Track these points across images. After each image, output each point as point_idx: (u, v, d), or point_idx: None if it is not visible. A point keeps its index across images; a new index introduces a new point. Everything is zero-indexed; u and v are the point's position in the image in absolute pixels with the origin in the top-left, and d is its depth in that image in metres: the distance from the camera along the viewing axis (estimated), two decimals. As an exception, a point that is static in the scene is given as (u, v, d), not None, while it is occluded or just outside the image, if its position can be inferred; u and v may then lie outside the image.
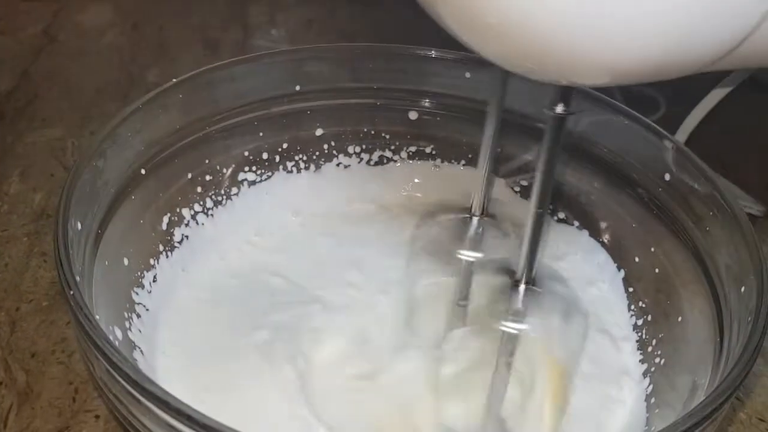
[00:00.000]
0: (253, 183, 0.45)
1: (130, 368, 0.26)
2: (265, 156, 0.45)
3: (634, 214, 0.41)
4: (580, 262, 0.43)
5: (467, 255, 0.37)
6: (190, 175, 0.42)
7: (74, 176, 0.33)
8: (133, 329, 0.35)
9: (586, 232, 0.44)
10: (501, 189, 0.46)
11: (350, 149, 0.47)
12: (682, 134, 0.54)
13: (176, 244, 0.41)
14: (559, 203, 0.45)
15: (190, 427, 0.24)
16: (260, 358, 0.37)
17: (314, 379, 0.36)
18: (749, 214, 0.51)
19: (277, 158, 0.46)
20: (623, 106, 0.42)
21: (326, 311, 0.40)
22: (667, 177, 0.39)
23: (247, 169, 0.45)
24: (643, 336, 0.39)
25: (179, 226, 0.41)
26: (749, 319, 0.29)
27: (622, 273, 0.42)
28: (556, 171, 0.29)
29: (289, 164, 0.46)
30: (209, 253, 0.42)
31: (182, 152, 0.41)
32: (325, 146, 0.47)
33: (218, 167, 0.43)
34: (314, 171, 0.47)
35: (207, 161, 0.43)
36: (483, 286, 0.34)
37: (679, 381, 0.34)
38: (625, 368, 0.38)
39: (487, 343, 0.34)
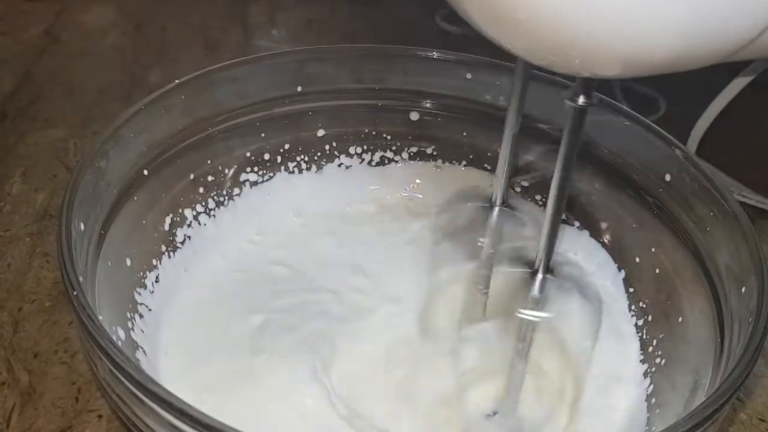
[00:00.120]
0: (255, 183, 0.45)
1: (134, 369, 0.26)
2: (266, 157, 0.45)
3: (635, 214, 0.41)
4: (581, 263, 0.43)
5: (487, 243, 0.38)
6: (192, 176, 0.42)
7: (77, 177, 0.33)
8: (135, 329, 0.35)
9: (586, 233, 0.44)
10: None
11: (351, 150, 0.47)
12: (693, 140, 0.54)
13: (178, 245, 0.41)
14: (560, 203, 0.45)
15: (193, 428, 0.24)
16: (263, 357, 0.37)
17: (322, 377, 0.36)
18: (757, 208, 0.51)
19: (279, 159, 0.46)
20: (624, 106, 0.42)
21: (332, 301, 0.40)
22: (668, 177, 0.39)
23: (249, 169, 0.45)
24: (644, 336, 0.39)
25: (181, 227, 0.41)
26: (750, 319, 0.29)
27: (623, 273, 0.42)
28: (574, 163, 0.30)
29: (291, 165, 0.46)
30: (211, 253, 0.42)
31: (184, 153, 0.41)
32: (327, 147, 0.47)
33: (220, 168, 0.43)
34: (316, 172, 0.47)
35: (209, 162, 0.43)
36: (502, 274, 0.34)
37: (679, 381, 0.34)
38: (625, 368, 0.38)
39: (505, 330, 0.35)
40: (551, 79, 0.43)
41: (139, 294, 0.37)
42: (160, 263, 0.40)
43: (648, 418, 0.35)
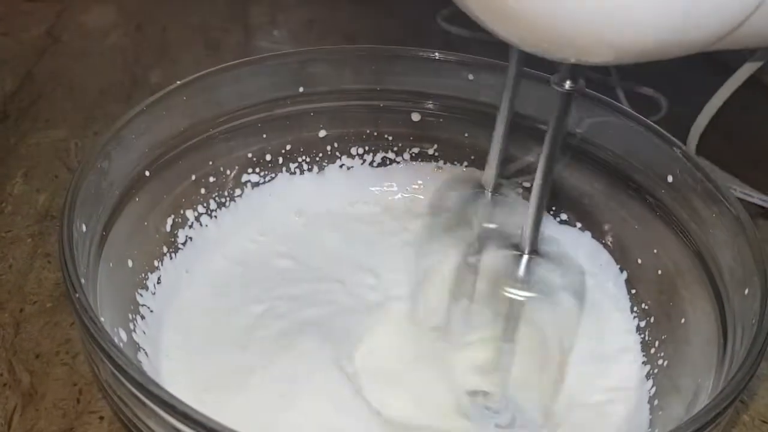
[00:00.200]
0: (256, 184, 0.45)
1: (136, 371, 0.26)
2: (268, 157, 0.45)
3: (637, 215, 0.41)
4: (583, 264, 0.43)
5: (478, 227, 0.38)
6: (194, 177, 0.42)
7: (79, 178, 0.33)
8: (137, 331, 0.35)
9: (588, 234, 0.44)
10: (504, 190, 0.46)
11: (353, 151, 0.47)
12: (693, 140, 0.54)
13: (180, 246, 0.41)
14: (561, 205, 0.45)
15: (195, 430, 0.24)
16: (266, 357, 0.37)
17: (323, 377, 0.36)
18: (758, 206, 0.51)
19: (281, 160, 0.46)
20: (625, 107, 0.42)
21: (339, 291, 0.41)
22: (670, 179, 0.39)
23: (250, 170, 0.45)
24: (646, 338, 0.39)
25: (183, 228, 0.41)
26: (753, 321, 0.29)
27: (625, 274, 0.42)
28: (560, 147, 0.31)
29: (293, 166, 0.46)
30: (213, 254, 0.42)
31: (186, 154, 0.41)
32: (328, 148, 0.47)
33: (222, 169, 0.43)
34: (317, 172, 0.47)
35: (211, 163, 0.43)
36: (491, 256, 0.35)
37: (682, 383, 0.34)
38: (627, 370, 0.38)
39: (494, 310, 0.36)
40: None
41: (141, 295, 0.37)
42: (162, 264, 0.40)
43: (650, 420, 0.35)
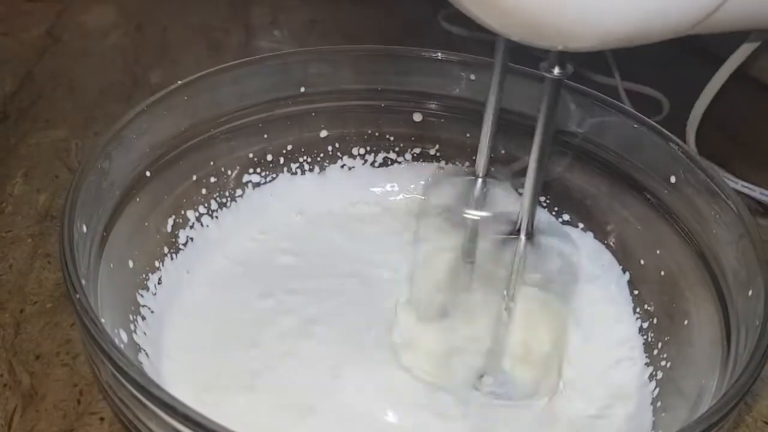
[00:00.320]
0: (257, 185, 0.45)
1: (137, 372, 0.25)
2: (269, 158, 0.45)
3: (640, 216, 0.41)
4: (585, 264, 0.43)
5: (473, 214, 0.39)
6: (194, 177, 0.42)
7: (79, 178, 0.33)
8: (138, 332, 0.35)
9: (590, 235, 0.44)
10: (506, 191, 0.46)
11: (354, 151, 0.47)
12: (690, 134, 0.54)
13: (181, 246, 0.41)
14: (563, 205, 0.45)
15: (197, 432, 0.24)
16: (272, 358, 0.37)
17: (326, 378, 0.36)
18: (758, 201, 0.51)
19: (282, 160, 0.46)
20: (628, 107, 0.42)
21: (339, 288, 0.41)
22: (673, 179, 0.39)
23: (251, 170, 0.45)
24: (649, 339, 0.39)
25: (184, 228, 0.41)
26: (757, 323, 0.29)
27: (627, 275, 0.41)
28: (551, 132, 0.31)
29: (294, 166, 0.46)
30: (214, 254, 0.42)
31: (187, 154, 0.41)
32: (330, 148, 0.47)
33: (223, 169, 0.43)
34: (319, 172, 0.47)
35: (212, 163, 0.43)
36: (488, 240, 0.36)
37: (685, 385, 0.34)
38: (630, 371, 0.38)
39: (492, 292, 0.36)
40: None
41: (142, 296, 0.37)
42: (163, 265, 0.39)
43: (653, 422, 0.35)
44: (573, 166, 0.44)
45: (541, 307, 0.37)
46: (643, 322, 0.40)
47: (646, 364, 0.38)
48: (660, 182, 0.40)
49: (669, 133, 0.40)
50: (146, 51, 0.67)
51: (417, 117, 0.47)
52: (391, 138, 0.48)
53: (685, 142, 0.43)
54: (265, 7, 0.76)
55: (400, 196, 0.48)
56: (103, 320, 0.29)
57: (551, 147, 0.32)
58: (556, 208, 0.45)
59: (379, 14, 0.74)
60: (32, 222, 0.47)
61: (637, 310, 0.40)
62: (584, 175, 0.44)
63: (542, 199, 0.46)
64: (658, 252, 0.39)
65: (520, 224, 0.33)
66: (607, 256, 0.43)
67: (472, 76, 0.45)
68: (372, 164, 0.48)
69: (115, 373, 0.26)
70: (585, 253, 0.43)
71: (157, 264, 0.39)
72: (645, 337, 0.39)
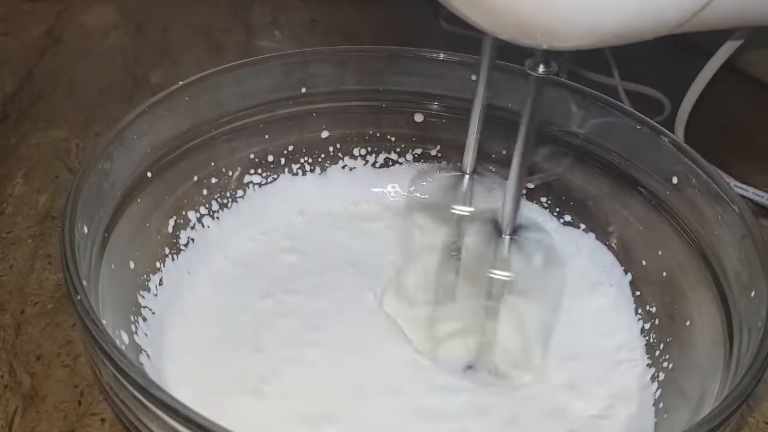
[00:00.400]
0: (258, 185, 0.45)
1: (138, 374, 0.25)
2: (270, 158, 0.45)
3: (641, 217, 0.41)
4: (587, 265, 0.43)
5: (459, 210, 0.39)
6: (196, 178, 0.42)
7: (80, 179, 0.33)
8: (139, 333, 0.35)
9: (592, 235, 0.44)
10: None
11: (356, 151, 0.47)
12: (680, 126, 0.54)
13: (182, 247, 0.41)
14: (565, 206, 0.45)
15: (199, 434, 0.24)
16: (276, 359, 0.37)
17: (326, 379, 0.36)
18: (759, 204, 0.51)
19: (283, 160, 0.46)
20: (629, 108, 0.42)
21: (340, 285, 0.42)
22: (675, 180, 0.39)
23: (252, 171, 0.45)
24: (651, 340, 0.39)
25: (185, 229, 0.41)
26: (760, 325, 0.29)
27: (629, 276, 0.41)
28: (535, 130, 0.32)
29: (295, 166, 0.46)
30: (215, 255, 0.42)
31: (188, 155, 0.41)
32: (331, 148, 0.47)
33: (224, 170, 0.43)
34: (320, 173, 0.47)
35: (213, 164, 0.43)
36: (473, 237, 0.36)
37: (687, 386, 0.34)
38: (632, 372, 0.38)
39: (476, 289, 0.37)
40: (558, 80, 0.43)
41: (143, 297, 0.37)
42: (164, 266, 0.39)
43: (655, 423, 0.35)
44: (574, 167, 0.44)
45: (527, 301, 0.37)
46: (644, 323, 0.39)
47: (648, 365, 0.38)
48: (662, 183, 0.40)
49: (671, 134, 0.40)
50: (146, 51, 0.67)
51: (418, 117, 0.47)
52: (393, 138, 0.48)
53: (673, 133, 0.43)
54: (266, 7, 0.76)
55: (402, 197, 0.48)
56: (104, 321, 0.29)
57: (534, 144, 0.32)
58: (557, 209, 0.45)
59: (380, 14, 0.74)
60: (33, 222, 0.47)
61: (639, 311, 0.40)
62: (586, 176, 0.44)
63: (543, 200, 0.46)
64: (659, 253, 0.39)
65: (505, 221, 0.34)
66: (609, 257, 0.42)
67: (474, 77, 0.45)
68: (373, 165, 0.48)
69: (117, 374, 0.26)
70: (586, 253, 0.43)
71: (158, 265, 0.39)
72: (647, 338, 0.39)
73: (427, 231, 0.41)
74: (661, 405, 0.35)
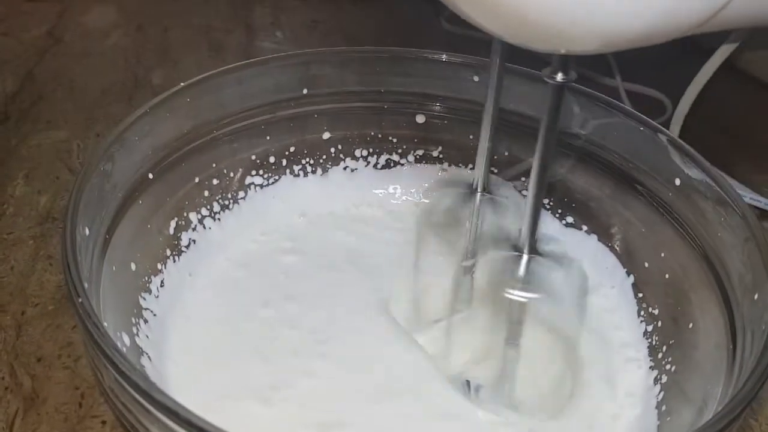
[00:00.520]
0: (260, 186, 0.45)
1: (140, 377, 0.25)
2: (272, 159, 0.45)
3: (644, 218, 0.41)
4: (589, 267, 0.43)
5: (470, 229, 0.38)
6: (197, 179, 0.42)
7: (82, 181, 0.33)
8: (140, 335, 0.35)
9: (594, 237, 0.44)
10: (510, 193, 0.46)
11: (357, 153, 0.47)
12: (676, 126, 0.54)
13: (183, 249, 0.41)
14: (567, 207, 0.45)
15: (201, 437, 0.24)
16: (278, 367, 0.37)
17: (332, 385, 0.36)
18: (758, 208, 0.51)
19: (285, 162, 0.46)
20: (631, 109, 0.42)
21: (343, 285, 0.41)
22: (677, 182, 0.38)
23: (254, 172, 0.45)
24: (653, 342, 0.38)
25: (186, 231, 0.41)
26: (763, 328, 0.29)
27: (632, 278, 0.41)
28: (555, 143, 0.30)
29: (296, 168, 0.46)
30: (216, 256, 0.42)
31: (190, 156, 0.41)
32: (332, 150, 0.47)
33: (225, 171, 0.43)
34: (321, 174, 0.47)
35: (214, 165, 0.43)
36: (487, 257, 0.34)
37: (690, 389, 0.34)
38: (634, 374, 0.38)
39: (494, 313, 0.35)
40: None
41: (144, 299, 0.37)
42: (165, 267, 0.39)
43: (658, 426, 0.34)
44: (576, 168, 0.44)
45: (549, 329, 0.36)
46: (647, 325, 0.39)
47: (650, 367, 0.38)
48: (664, 184, 0.39)
49: (673, 135, 0.39)
50: (147, 51, 0.67)
51: (420, 119, 0.47)
52: (394, 140, 0.47)
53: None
54: (267, 7, 0.76)
55: (403, 198, 0.48)
56: (105, 323, 0.28)
57: (554, 156, 0.31)
58: (559, 211, 0.45)
59: (381, 15, 0.74)
60: (33, 223, 0.46)
61: (642, 313, 0.40)
62: (588, 177, 0.43)
63: (545, 201, 0.45)
64: (662, 255, 0.39)
65: (524, 239, 0.32)
66: (611, 259, 0.42)
67: (476, 78, 0.45)
68: (374, 166, 0.48)
69: (118, 377, 0.26)
70: (589, 255, 0.43)
71: (159, 266, 0.39)
72: (649, 340, 0.39)
73: (438, 252, 0.40)
74: (664, 407, 0.35)
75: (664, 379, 0.36)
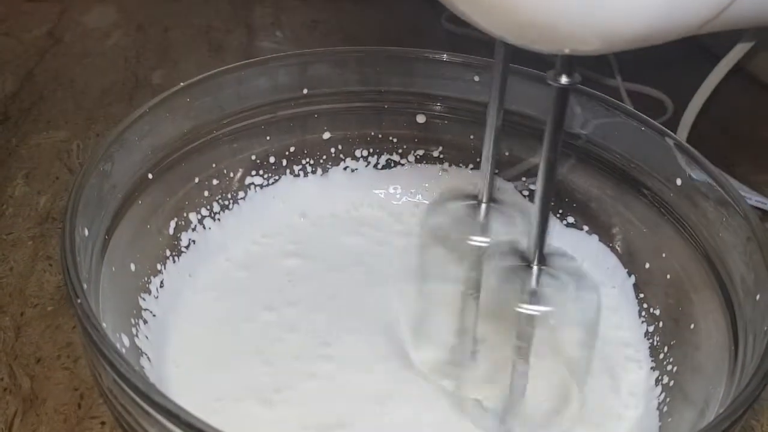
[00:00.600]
0: (260, 187, 0.45)
1: (138, 379, 0.25)
2: (272, 160, 0.45)
3: (645, 218, 0.41)
4: (590, 267, 0.43)
5: (476, 241, 0.36)
6: (197, 180, 0.42)
7: (81, 181, 0.33)
8: (140, 336, 0.35)
9: (595, 237, 0.43)
10: (510, 193, 0.46)
11: (357, 153, 0.47)
12: (683, 130, 0.54)
13: (183, 249, 0.41)
14: (568, 207, 0.45)
15: (200, 439, 0.24)
16: (272, 362, 0.36)
17: (335, 387, 0.36)
18: (761, 210, 0.51)
19: (285, 162, 0.45)
20: (632, 109, 0.42)
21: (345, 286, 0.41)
22: (679, 182, 0.38)
23: (254, 172, 0.45)
24: (655, 343, 0.38)
25: (186, 231, 0.41)
26: (766, 329, 0.29)
27: (633, 278, 0.41)
28: (560, 148, 0.29)
29: (297, 168, 0.46)
30: (216, 257, 0.42)
31: (189, 156, 0.41)
32: (333, 150, 0.47)
33: (225, 171, 0.43)
34: (321, 175, 0.47)
35: (214, 165, 0.42)
36: (494, 270, 0.33)
37: (692, 390, 0.33)
38: (635, 376, 0.38)
39: (503, 327, 0.34)
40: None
41: (144, 299, 0.37)
42: (165, 268, 0.39)
43: (660, 427, 0.34)
44: (577, 168, 0.44)
45: (559, 340, 0.35)
46: (648, 325, 0.39)
47: (651, 368, 0.37)
48: (665, 185, 0.39)
49: (674, 135, 0.39)
50: (147, 51, 0.67)
51: (420, 118, 0.47)
52: (394, 140, 0.47)
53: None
54: (267, 7, 0.75)
55: (404, 199, 0.48)
56: (104, 324, 0.28)
57: (559, 161, 0.30)
58: (560, 211, 0.45)
59: (381, 15, 0.74)
60: (33, 224, 0.46)
61: (643, 313, 0.40)
62: (589, 177, 0.43)
63: (547, 201, 0.45)
64: (663, 255, 0.39)
65: (532, 250, 0.31)
66: (612, 259, 0.42)
67: (476, 77, 0.45)
68: (375, 166, 0.48)
69: (117, 378, 0.26)
70: (589, 255, 0.43)
71: (159, 267, 0.39)
72: (651, 341, 0.39)
73: (443, 268, 0.38)
74: (665, 408, 0.35)
75: (666, 380, 0.36)
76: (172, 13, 0.73)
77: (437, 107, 0.46)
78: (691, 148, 0.38)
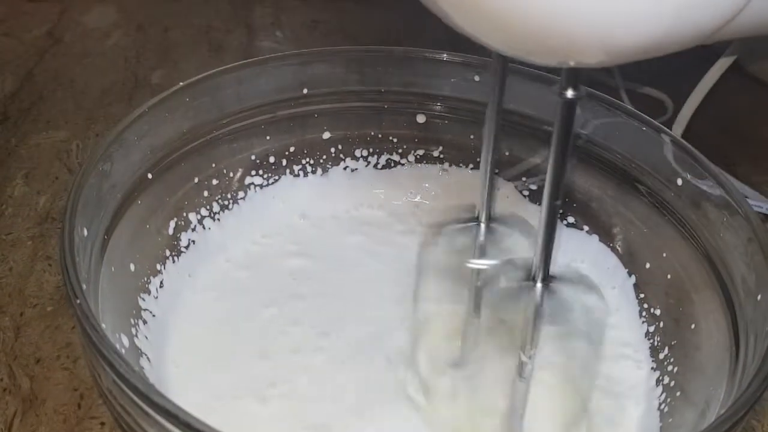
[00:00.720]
0: (260, 187, 0.45)
1: (138, 380, 0.25)
2: (272, 159, 0.45)
3: (646, 218, 0.41)
4: (590, 268, 0.43)
5: (477, 264, 0.35)
6: (196, 180, 0.42)
7: (80, 181, 0.32)
8: (139, 336, 0.35)
9: (596, 237, 0.43)
10: (510, 193, 0.46)
11: (357, 153, 0.47)
12: (679, 126, 0.54)
13: (183, 249, 0.41)
14: (568, 207, 0.45)
15: (199, 440, 0.24)
16: (279, 370, 0.36)
17: (332, 386, 0.36)
18: (762, 214, 0.50)
19: (284, 162, 0.45)
20: (633, 108, 0.42)
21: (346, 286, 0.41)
22: (679, 182, 0.38)
23: (254, 172, 0.44)
24: (655, 343, 0.38)
25: (186, 231, 0.41)
26: (767, 329, 0.29)
27: (633, 278, 0.41)
28: (568, 162, 0.28)
29: (296, 168, 0.46)
30: (216, 257, 0.42)
31: (189, 156, 0.40)
32: (332, 150, 0.47)
33: (225, 171, 0.43)
34: (321, 175, 0.47)
35: (214, 165, 0.42)
36: (497, 291, 0.32)
37: (692, 390, 0.33)
38: (636, 376, 0.37)
39: (506, 347, 0.33)
40: (556, 80, 0.43)
41: (143, 300, 0.37)
42: (164, 268, 0.39)
43: (660, 427, 0.34)
44: (578, 168, 0.43)
45: (565, 357, 0.34)
46: (649, 326, 0.39)
47: (652, 368, 0.37)
48: (666, 185, 0.39)
49: (675, 135, 0.39)
50: (147, 51, 0.67)
51: (420, 118, 0.47)
52: (394, 140, 0.47)
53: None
54: (267, 7, 0.75)
55: (404, 199, 0.48)
56: (103, 325, 0.28)
57: (565, 175, 0.29)
58: (560, 211, 0.45)
59: (381, 14, 0.74)
60: (32, 224, 0.46)
61: (643, 314, 0.40)
62: (589, 177, 0.43)
63: (546, 201, 0.45)
64: (664, 255, 0.39)
65: (536, 268, 0.29)
66: (613, 260, 0.42)
67: (476, 77, 0.45)
68: (375, 166, 0.47)
69: (116, 379, 0.26)
70: (590, 256, 0.43)
71: (158, 267, 0.39)
72: (651, 341, 0.39)
73: (442, 293, 0.38)
74: (665, 409, 0.35)
75: (666, 380, 0.36)
76: (172, 13, 0.73)
77: (437, 107, 0.46)
78: (692, 148, 0.38)
